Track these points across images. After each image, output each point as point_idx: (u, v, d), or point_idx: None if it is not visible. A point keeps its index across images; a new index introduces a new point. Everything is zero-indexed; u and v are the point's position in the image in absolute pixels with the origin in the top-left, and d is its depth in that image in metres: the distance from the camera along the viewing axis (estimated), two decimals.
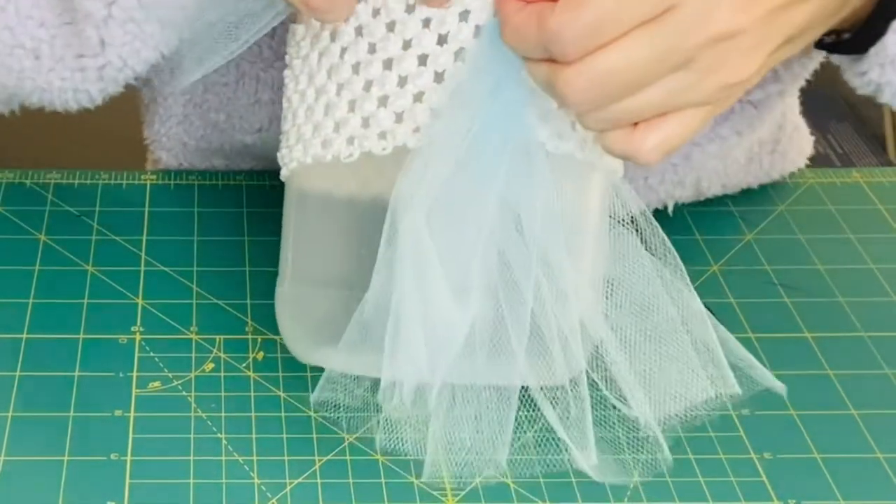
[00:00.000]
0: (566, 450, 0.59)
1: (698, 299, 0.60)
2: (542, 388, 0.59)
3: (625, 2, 0.50)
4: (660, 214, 0.79)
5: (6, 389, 0.67)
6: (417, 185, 0.55)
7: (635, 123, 0.53)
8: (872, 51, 0.60)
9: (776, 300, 0.74)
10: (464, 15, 0.55)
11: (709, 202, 0.81)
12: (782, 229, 0.79)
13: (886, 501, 0.62)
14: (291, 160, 0.61)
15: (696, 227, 0.79)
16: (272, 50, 0.78)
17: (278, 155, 0.63)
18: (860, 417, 0.66)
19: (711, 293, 0.74)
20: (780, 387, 0.60)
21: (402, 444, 0.60)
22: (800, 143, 0.84)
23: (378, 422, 0.61)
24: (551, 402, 0.59)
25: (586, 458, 0.59)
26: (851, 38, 0.61)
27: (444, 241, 0.56)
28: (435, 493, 0.61)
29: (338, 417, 0.63)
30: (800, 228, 0.79)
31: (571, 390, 0.58)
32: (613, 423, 0.61)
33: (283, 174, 0.63)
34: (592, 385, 0.59)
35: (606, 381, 0.59)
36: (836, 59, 0.64)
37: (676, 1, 0.50)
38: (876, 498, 0.62)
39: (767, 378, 0.60)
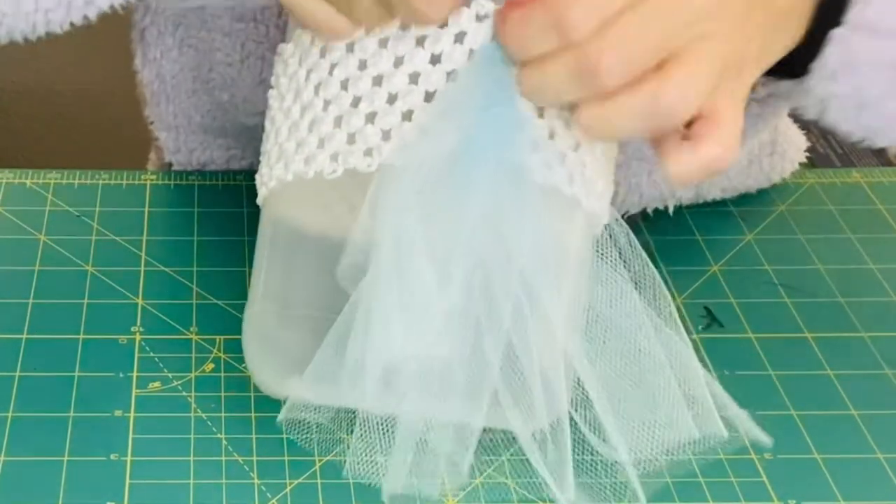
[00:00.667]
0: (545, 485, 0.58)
1: (689, 345, 0.58)
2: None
3: None
4: (660, 214, 0.80)
5: (6, 389, 0.67)
6: (394, 197, 0.54)
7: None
8: (816, 65, 0.60)
9: (776, 300, 0.74)
10: (459, 36, 0.55)
11: (708, 202, 0.81)
12: (782, 229, 0.79)
13: (886, 502, 0.62)
14: (271, 178, 0.60)
15: (696, 227, 0.79)
16: (279, 30, 0.77)
17: (256, 177, 0.63)
18: (860, 417, 0.66)
19: (711, 293, 0.74)
20: (765, 440, 0.59)
21: (371, 469, 0.58)
22: (795, 139, 0.84)
23: (347, 445, 0.59)
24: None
25: (565, 495, 0.57)
26: (795, 58, 0.60)
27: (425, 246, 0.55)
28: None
29: (308, 438, 0.61)
30: (800, 228, 0.79)
31: (551, 434, 0.57)
32: (597, 469, 0.59)
33: (261, 195, 0.62)
34: (575, 427, 0.58)
35: (589, 422, 0.58)
36: (785, 86, 0.64)
37: None
38: (876, 498, 0.62)
39: (752, 429, 0.58)
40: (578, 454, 0.58)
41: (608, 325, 0.57)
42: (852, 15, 0.58)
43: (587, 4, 0.50)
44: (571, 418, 0.57)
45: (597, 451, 0.58)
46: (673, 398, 0.57)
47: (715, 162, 0.53)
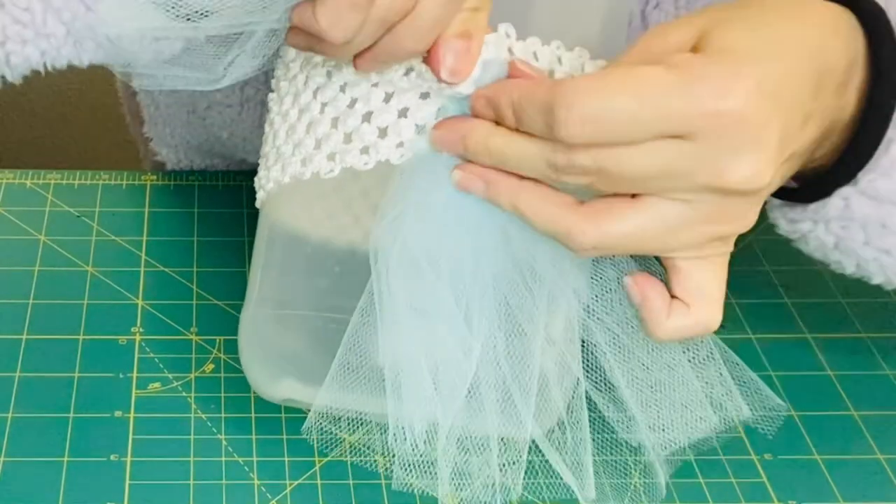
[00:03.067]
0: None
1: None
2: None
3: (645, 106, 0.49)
4: None
5: (6, 389, 0.67)
6: (399, 205, 0.55)
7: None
8: (812, 207, 0.59)
9: (776, 300, 0.74)
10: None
11: None
12: None
13: (886, 502, 0.62)
14: (269, 181, 0.60)
15: None
16: None
17: (255, 179, 0.63)
18: (860, 417, 0.66)
19: None
20: (780, 405, 0.59)
21: (415, 482, 0.58)
22: None
23: (349, 445, 0.60)
24: (550, 441, 0.58)
25: (585, 494, 0.57)
26: (797, 190, 0.60)
27: (436, 265, 0.55)
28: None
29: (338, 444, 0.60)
30: None
31: (571, 430, 0.57)
32: (621, 448, 0.60)
33: (259, 198, 0.63)
34: (595, 410, 0.58)
35: (610, 404, 0.58)
36: (772, 199, 0.62)
37: (694, 130, 0.49)
38: (876, 499, 0.62)
39: (770, 396, 0.58)
40: (607, 434, 0.59)
41: (621, 315, 0.58)
42: (865, 182, 0.57)
43: (582, 113, 0.49)
44: (594, 404, 0.58)
45: (613, 450, 0.58)
46: (691, 387, 0.58)
47: (707, 324, 0.54)
